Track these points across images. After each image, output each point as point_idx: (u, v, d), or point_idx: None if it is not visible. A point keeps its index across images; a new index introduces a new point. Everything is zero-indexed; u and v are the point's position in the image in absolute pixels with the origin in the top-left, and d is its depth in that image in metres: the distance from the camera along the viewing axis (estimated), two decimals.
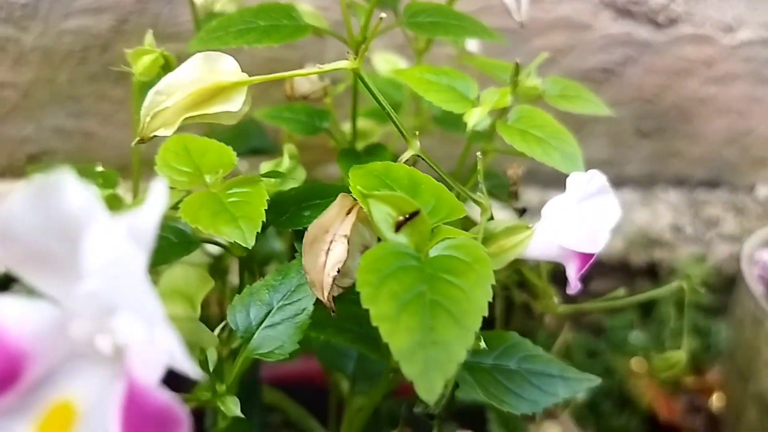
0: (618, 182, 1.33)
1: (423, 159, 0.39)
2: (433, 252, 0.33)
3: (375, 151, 0.43)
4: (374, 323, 0.29)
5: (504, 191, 0.57)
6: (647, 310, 1.27)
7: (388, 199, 0.33)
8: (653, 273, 1.29)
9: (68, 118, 1.01)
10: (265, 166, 0.47)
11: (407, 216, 0.33)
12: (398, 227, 0.33)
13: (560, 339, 0.63)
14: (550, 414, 0.77)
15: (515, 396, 0.39)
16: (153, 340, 0.19)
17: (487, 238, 0.42)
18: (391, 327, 0.28)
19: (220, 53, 0.36)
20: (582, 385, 0.40)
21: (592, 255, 0.41)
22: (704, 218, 1.31)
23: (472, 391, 0.38)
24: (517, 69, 0.47)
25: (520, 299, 0.68)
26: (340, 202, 0.35)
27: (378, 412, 0.56)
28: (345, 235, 0.35)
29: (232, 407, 0.35)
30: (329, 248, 0.35)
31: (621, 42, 1.16)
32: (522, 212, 0.55)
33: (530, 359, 0.41)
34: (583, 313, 1.28)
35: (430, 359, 0.28)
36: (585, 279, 1.22)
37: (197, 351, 0.27)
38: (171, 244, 0.39)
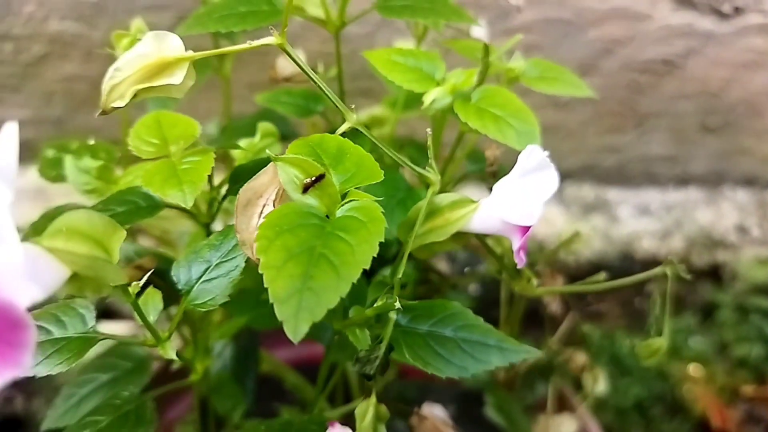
0: (682, 180, 1.28)
1: (362, 132, 0.41)
2: (339, 213, 0.35)
3: (358, 132, 0.45)
4: (261, 271, 0.31)
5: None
6: (707, 314, 1.22)
7: (296, 162, 0.35)
8: (716, 275, 1.23)
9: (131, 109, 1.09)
10: (243, 142, 0.51)
11: (314, 178, 0.35)
12: (305, 189, 0.35)
13: (563, 327, 0.63)
14: (566, 406, 0.77)
15: (443, 360, 0.40)
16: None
17: (434, 211, 0.44)
18: (275, 274, 0.31)
19: (167, 33, 0.39)
20: (519, 356, 0.41)
21: (529, 228, 0.42)
22: None
23: (402, 354, 0.40)
24: (487, 50, 0.48)
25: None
26: (273, 169, 0.38)
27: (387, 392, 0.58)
28: (275, 200, 0.38)
29: (171, 352, 0.39)
30: (261, 211, 0.38)
31: (682, 33, 1.12)
32: None
33: (467, 328, 0.42)
34: (640, 316, 1.25)
35: (303, 304, 0.30)
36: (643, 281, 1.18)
37: (105, 287, 0.31)
38: (138, 207, 0.44)
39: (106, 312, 1.20)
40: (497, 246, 0.59)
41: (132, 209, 0.43)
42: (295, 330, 0.30)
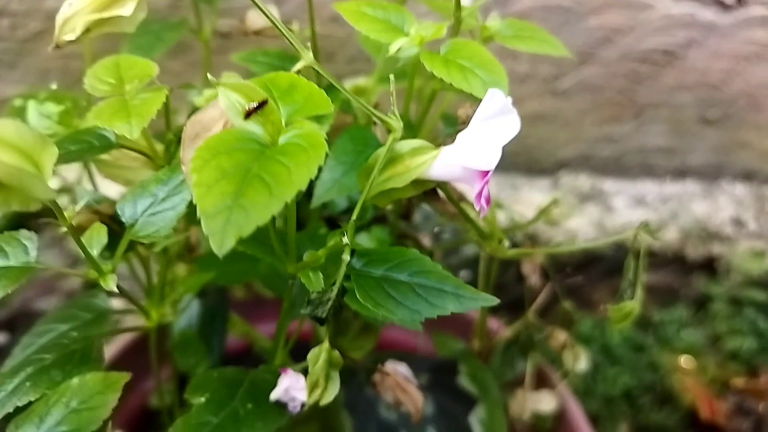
0: (680, 172, 1.27)
1: (317, 71, 0.40)
2: (282, 140, 0.34)
3: (332, 88, 0.44)
4: (192, 190, 0.31)
5: None
6: (700, 306, 1.20)
7: (238, 87, 0.34)
8: (710, 268, 1.22)
9: None
10: (207, 92, 0.50)
11: (257, 104, 0.34)
12: (248, 115, 0.34)
13: (540, 298, 0.62)
14: (547, 384, 0.76)
15: (396, 303, 0.39)
16: None
17: (394, 158, 0.43)
18: (206, 192, 0.30)
19: None
20: (476, 303, 0.40)
21: (488, 173, 0.41)
22: None
23: (353, 297, 0.39)
24: (458, 4, 0.47)
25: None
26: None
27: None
28: None
29: (111, 284, 0.38)
30: None
31: (683, 23, 1.11)
32: None
33: (424, 273, 0.41)
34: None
35: (231, 219, 0.29)
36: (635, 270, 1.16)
37: (32, 201, 0.30)
38: (91, 146, 0.43)
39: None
40: (471, 210, 0.58)
41: (85, 147, 0.43)
42: (221, 244, 0.29)
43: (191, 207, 0.39)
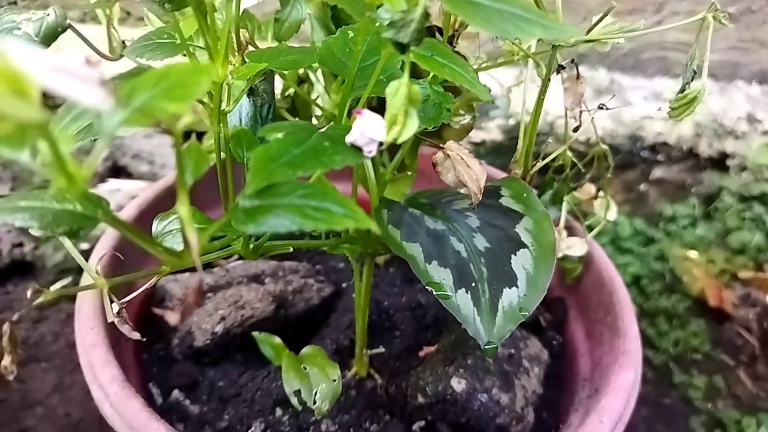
0: (697, 70, 1.26)
1: None
2: None
3: None
4: None
5: None
6: (711, 201, 1.21)
7: None
8: (722, 164, 1.22)
9: None
10: None
11: None
12: None
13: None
14: (574, 234, 0.75)
15: (483, 21, 0.37)
16: None
17: None
18: None
19: None
20: (563, 33, 0.38)
21: None
22: None
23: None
24: None
25: None
26: None
27: None
28: None
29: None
30: None
31: None
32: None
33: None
34: (644, 200, 1.24)
35: None
36: (649, 164, 1.17)
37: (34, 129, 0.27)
38: None
39: (115, 169, 1.19)
40: None
41: None
42: None
43: None
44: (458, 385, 0.60)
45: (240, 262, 0.76)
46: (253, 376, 0.64)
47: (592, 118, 0.57)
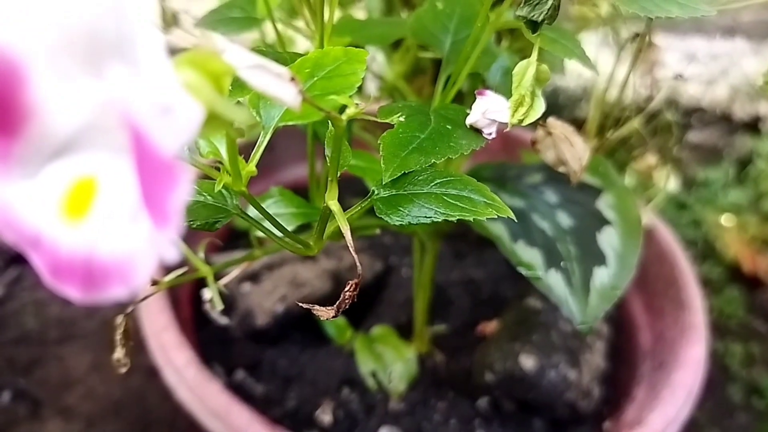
0: (730, 29, 1.24)
1: None
2: None
3: None
4: None
5: None
6: (744, 165, 1.20)
7: None
8: (755, 127, 1.20)
9: None
10: None
11: None
12: None
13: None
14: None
15: None
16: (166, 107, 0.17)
17: None
18: None
19: None
20: (698, 11, 0.38)
21: None
22: None
23: None
24: None
25: None
26: None
27: None
28: None
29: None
30: None
31: None
32: None
33: None
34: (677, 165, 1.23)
35: None
36: (684, 127, 1.14)
37: (227, 125, 0.23)
38: None
39: None
40: None
41: None
42: None
43: None
44: (527, 361, 0.59)
45: None
46: (313, 355, 0.63)
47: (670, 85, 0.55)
